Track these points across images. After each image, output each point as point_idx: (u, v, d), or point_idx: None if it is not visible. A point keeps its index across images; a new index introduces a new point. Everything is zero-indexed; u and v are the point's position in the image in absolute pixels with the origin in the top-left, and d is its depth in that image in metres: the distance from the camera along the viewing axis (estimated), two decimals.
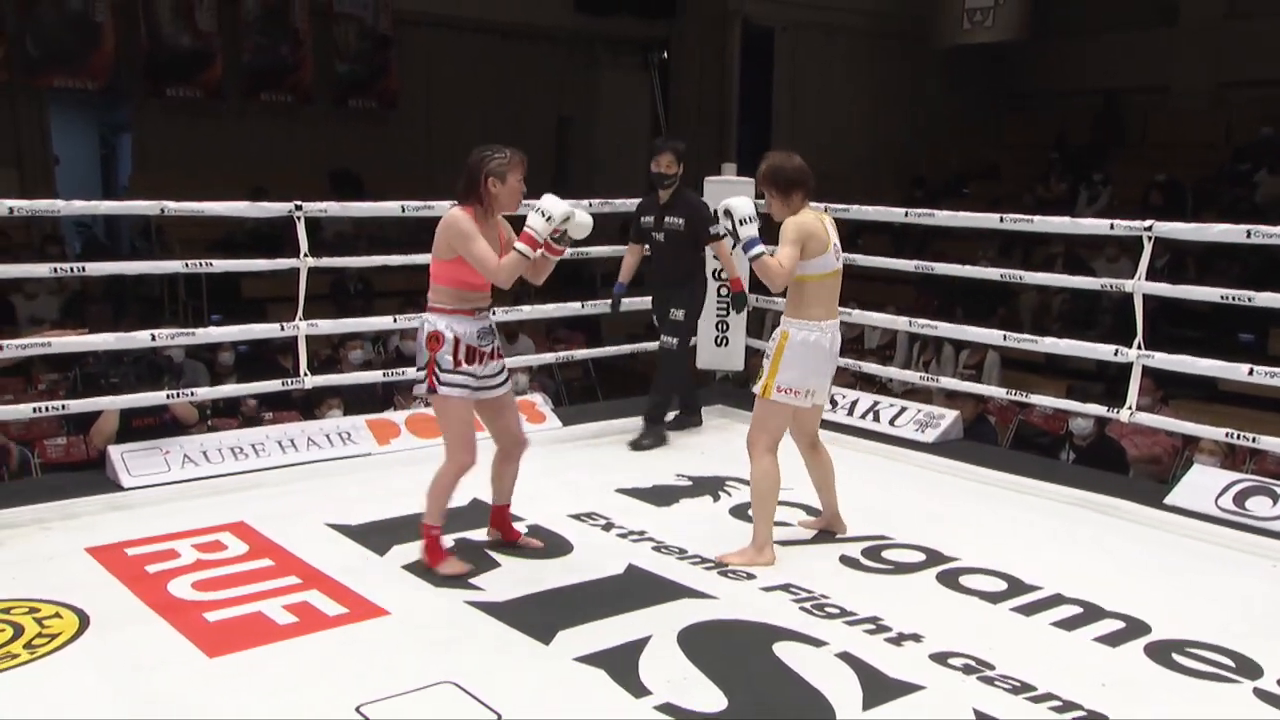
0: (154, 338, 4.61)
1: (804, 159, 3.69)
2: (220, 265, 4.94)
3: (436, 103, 13.63)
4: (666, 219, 5.26)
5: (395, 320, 5.41)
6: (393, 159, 13.19)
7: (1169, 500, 4.44)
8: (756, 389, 3.79)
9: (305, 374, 4.87)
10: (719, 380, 6.51)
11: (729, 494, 4.53)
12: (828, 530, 4.07)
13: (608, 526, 4.10)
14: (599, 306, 6.17)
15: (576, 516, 4.19)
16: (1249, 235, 4.15)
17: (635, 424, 5.61)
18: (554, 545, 3.89)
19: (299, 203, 4.74)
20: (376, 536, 3.91)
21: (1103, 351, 4.76)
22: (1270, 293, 4.20)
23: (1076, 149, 13.28)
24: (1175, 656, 3.15)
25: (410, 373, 5.58)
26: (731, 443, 5.41)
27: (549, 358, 6.54)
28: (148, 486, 4.41)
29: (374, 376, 5.52)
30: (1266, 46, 12.24)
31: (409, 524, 4.03)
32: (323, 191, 11.46)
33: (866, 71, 15.07)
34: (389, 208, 5.10)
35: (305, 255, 4.75)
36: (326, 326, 5.09)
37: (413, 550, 3.73)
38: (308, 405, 6.75)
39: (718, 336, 6.13)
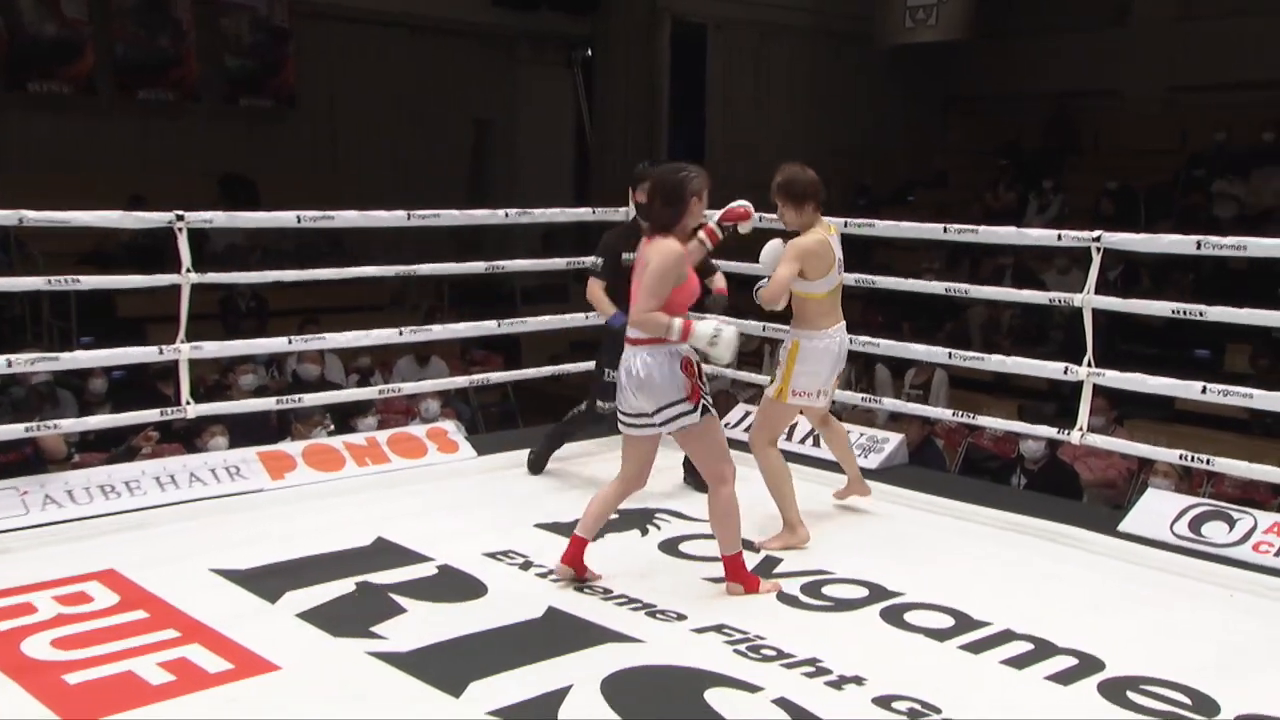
0: (10, 363, 4.46)
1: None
2: (90, 282, 4.82)
3: (341, 103, 13.50)
4: None
5: (291, 341, 5.33)
6: (291, 163, 13.02)
7: (1122, 527, 4.55)
8: (770, 392, 4.37)
9: (188, 402, 4.76)
10: None
11: (658, 527, 4.54)
12: (854, 496, 4.70)
13: (526, 565, 4.08)
14: (517, 325, 6.15)
15: (492, 555, 4.16)
16: (1199, 246, 4.28)
17: (558, 451, 5.59)
18: (466, 587, 3.85)
19: (180, 212, 4.65)
20: (269, 581, 3.83)
21: (1052, 369, 4.87)
22: (1223, 307, 4.33)
23: (1026, 155, 13.63)
24: (1130, 695, 3.21)
25: (308, 399, 5.50)
26: (662, 472, 5.43)
27: (462, 381, 6.49)
28: (1, 532, 4.26)
29: (267, 404, 5.42)
30: (1220, 49, 12.70)
31: (306, 567, 3.95)
32: (211, 198, 11.25)
33: (806, 73, 15.30)
34: (284, 218, 5.04)
35: (188, 270, 4.66)
36: (213, 349, 4.99)
37: (310, 596, 3.67)
38: (191, 437, 6.61)
39: None
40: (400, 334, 5.47)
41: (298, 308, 9.66)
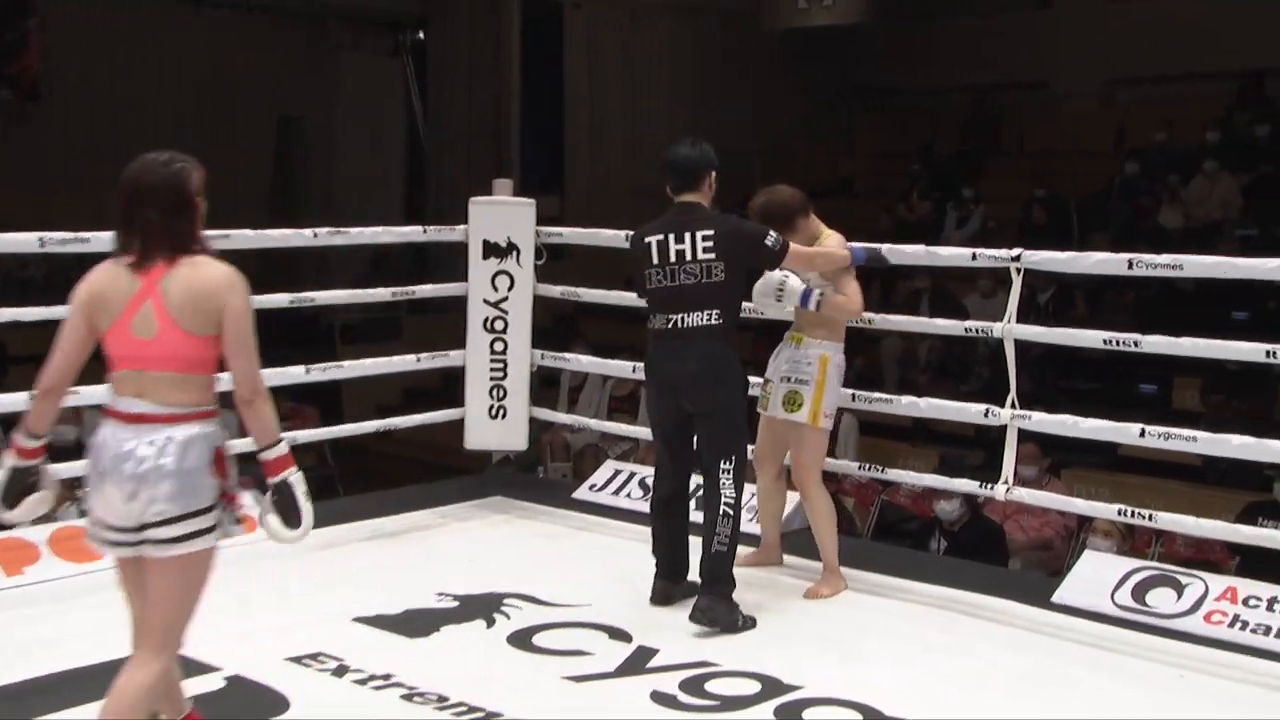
0: None
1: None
2: None
3: (102, 97, 13.12)
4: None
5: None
6: (35, 172, 12.53)
7: (1057, 597, 4.68)
8: (801, 417, 4.67)
9: None
10: (496, 464, 6.51)
11: (507, 615, 4.52)
12: (763, 564, 4.94)
13: (340, 670, 4.02)
14: (334, 370, 6.06)
15: (297, 659, 4.08)
16: (1131, 266, 4.46)
17: (386, 525, 5.54)
18: (262, 702, 3.76)
19: None
20: (4, 709, 3.68)
21: (971, 412, 5.01)
22: (1160, 336, 4.52)
23: (943, 159, 14.01)
24: None
25: (56, 470, 5.29)
26: (513, 543, 5.41)
27: None
28: None
29: None
30: (1158, 35, 13.27)
31: (61, 686, 3.80)
32: None
33: (686, 62, 15.49)
34: (23, 240, 4.89)
35: None
36: None
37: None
38: None
39: (492, 406, 6.13)
40: None
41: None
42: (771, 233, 4.52)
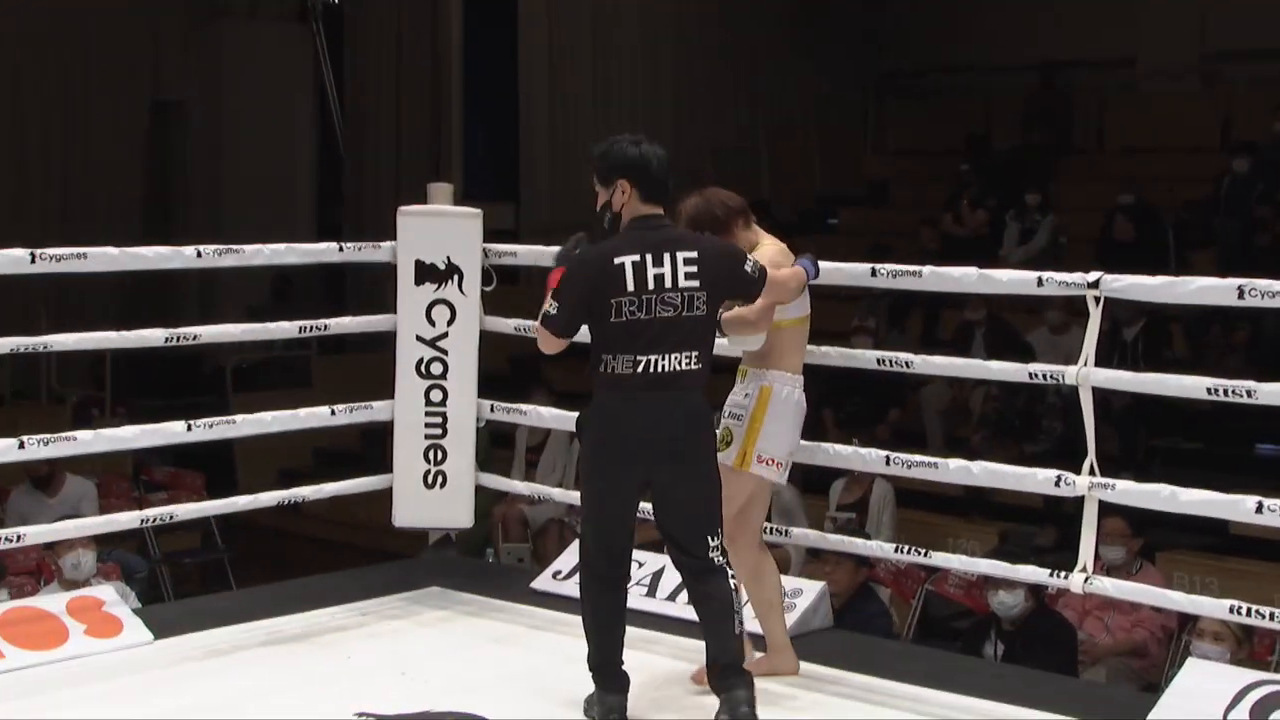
0: None
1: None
2: None
3: None
4: None
5: None
6: None
7: (1153, 718, 4.65)
8: (729, 459, 4.75)
9: None
10: (433, 546, 6.52)
11: None
12: (777, 673, 4.94)
13: None
14: (224, 427, 6.01)
15: None
16: (1242, 294, 4.45)
17: (290, 626, 5.51)
18: None
19: None
20: None
21: (1039, 480, 4.99)
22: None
23: (999, 157, 14.04)
24: None
25: None
26: (454, 650, 5.39)
27: (128, 520, 6.28)
28: None
29: None
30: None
31: None
32: None
33: (674, 38, 15.51)
34: None
35: None
36: None
37: None
38: None
39: (429, 472, 6.11)
40: (22, 446, 5.30)
41: None
42: (749, 256, 4.62)
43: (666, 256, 4.44)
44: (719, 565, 4.47)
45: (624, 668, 4.61)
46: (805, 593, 5.57)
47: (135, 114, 14.47)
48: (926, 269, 5.15)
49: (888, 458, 5.25)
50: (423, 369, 6.08)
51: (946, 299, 10.74)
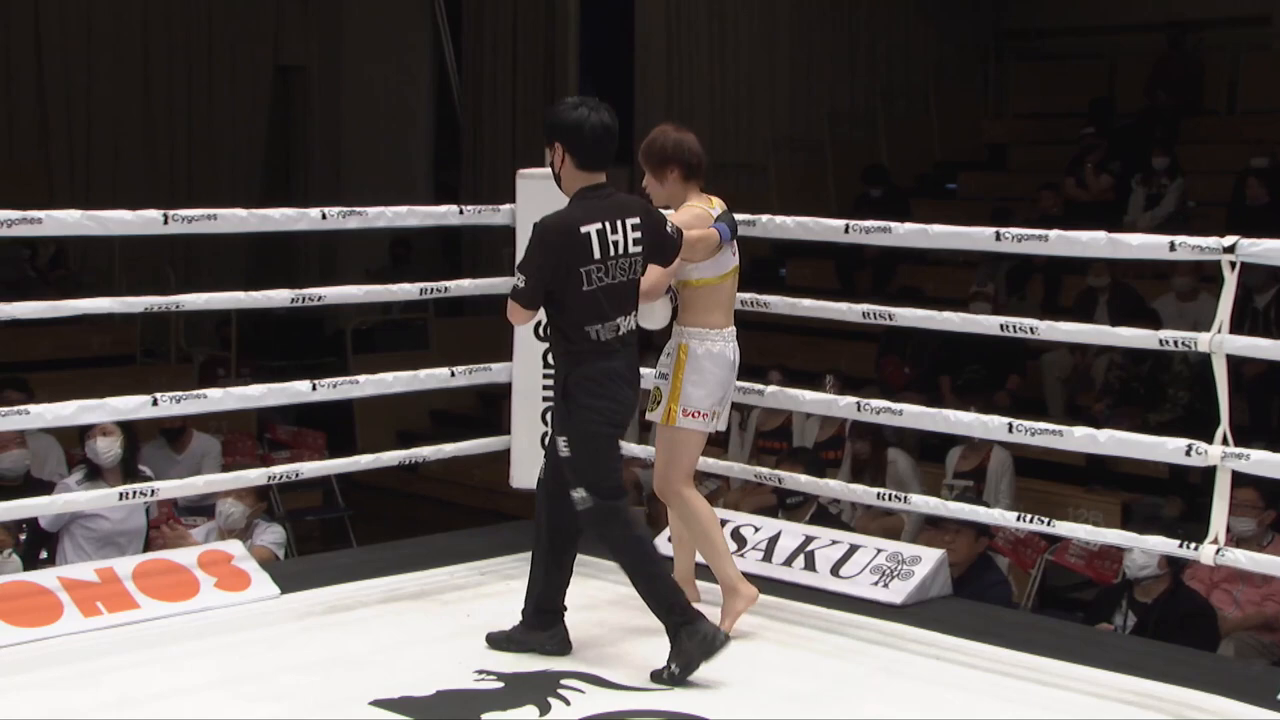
0: None
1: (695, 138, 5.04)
2: None
3: (49, 46, 13.34)
4: None
5: None
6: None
7: None
8: (656, 416, 5.05)
9: None
10: None
11: (566, 701, 4.51)
12: (737, 612, 4.96)
13: None
14: (347, 387, 6.07)
15: None
16: None
17: (410, 584, 5.55)
18: None
19: None
20: None
21: (1168, 449, 4.92)
22: None
23: (1125, 120, 13.84)
24: None
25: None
26: (572, 608, 5.40)
27: (257, 476, 6.38)
28: None
29: None
30: None
31: None
32: None
33: (791, 1, 15.44)
34: None
35: None
36: None
37: None
38: None
39: (546, 434, 6.13)
40: (155, 403, 5.39)
41: None
42: (668, 219, 4.84)
43: (619, 223, 4.70)
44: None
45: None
46: (924, 560, 5.54)
47: (258, 79, 14.63)
48: (1053, 233, 5.10)
49: (1010, 425, 5.21)
50: (541, 332, 6.09)
51: (1068, 265, 10.67)
